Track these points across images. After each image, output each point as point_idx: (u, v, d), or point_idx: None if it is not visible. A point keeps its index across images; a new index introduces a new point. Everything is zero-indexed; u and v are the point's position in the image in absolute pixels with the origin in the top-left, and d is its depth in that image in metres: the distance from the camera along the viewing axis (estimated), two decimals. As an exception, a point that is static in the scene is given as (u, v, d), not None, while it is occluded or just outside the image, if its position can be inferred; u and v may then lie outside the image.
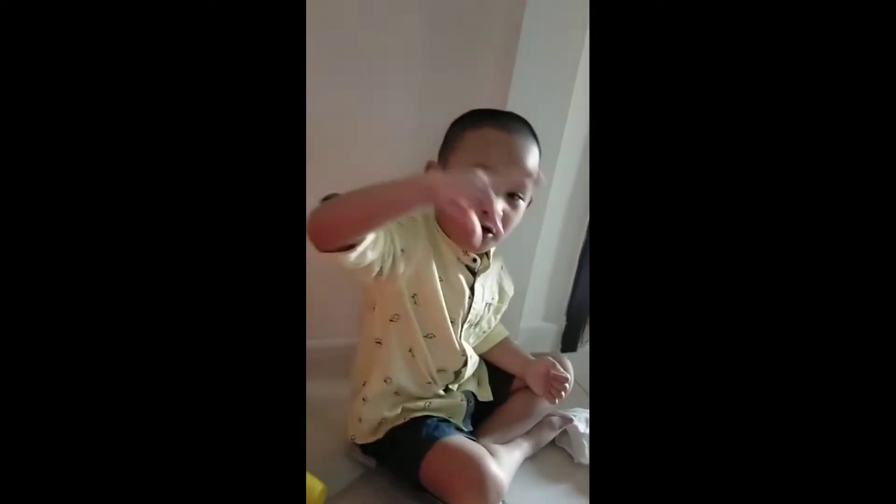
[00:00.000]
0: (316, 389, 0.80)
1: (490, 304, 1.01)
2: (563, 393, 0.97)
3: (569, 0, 1.02)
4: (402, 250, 0.81)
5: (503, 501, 0.93)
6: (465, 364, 0.97)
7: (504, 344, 1.09)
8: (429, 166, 0.90)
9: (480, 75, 1.06)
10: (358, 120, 1.02)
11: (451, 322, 0.91)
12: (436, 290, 0.88)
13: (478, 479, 0.81)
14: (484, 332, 1.04)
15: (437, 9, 0.99)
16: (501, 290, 1.04)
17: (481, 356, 1.06)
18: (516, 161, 0.83)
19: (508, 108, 1.03)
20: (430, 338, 0.91)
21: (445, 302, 0.89)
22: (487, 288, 0.98)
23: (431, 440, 0.86)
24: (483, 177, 0.60)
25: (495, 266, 0.99)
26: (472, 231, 0.60)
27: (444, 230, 0.90)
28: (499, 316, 1.07)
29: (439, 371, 0.95)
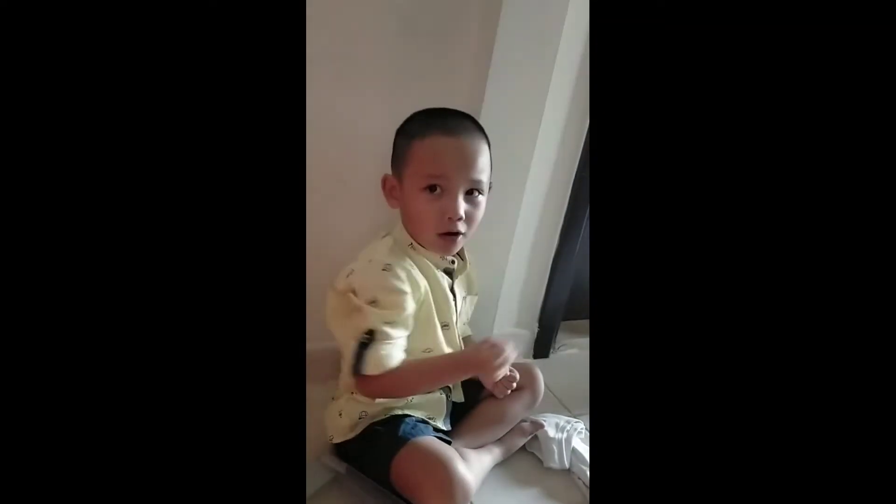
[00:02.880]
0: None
1: (465, 298, 1.04)
2: (508, 391, 1.01)
3: (544, 3, 1.03)
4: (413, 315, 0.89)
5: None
6: None
7: (467, 341, 1.10)
8: (384, 181, 0.92)
9: (456, 79, 1.07)
10: (332, 124, 1.01)
11: (445, 326, 0.95)
12: (429, 307, 0.92)
13: (445, 480, 0.81)
14: (464, 324, 1.07)
15: (411, 13, 0.99)
16: (470, 282, 1.06)
17: None
18: (466, 164, 0.85)
19: (484, 113, 1.04)
20: (427, 352, 0.93)
21: (437, 312, 0.93)
22: (462, 285, 1.02)
23: (405, 439, 0.87)
24: (502, 348, 0.84)
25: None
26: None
27: (416, 240, 0.91)
28: (473, 306, 1.10)
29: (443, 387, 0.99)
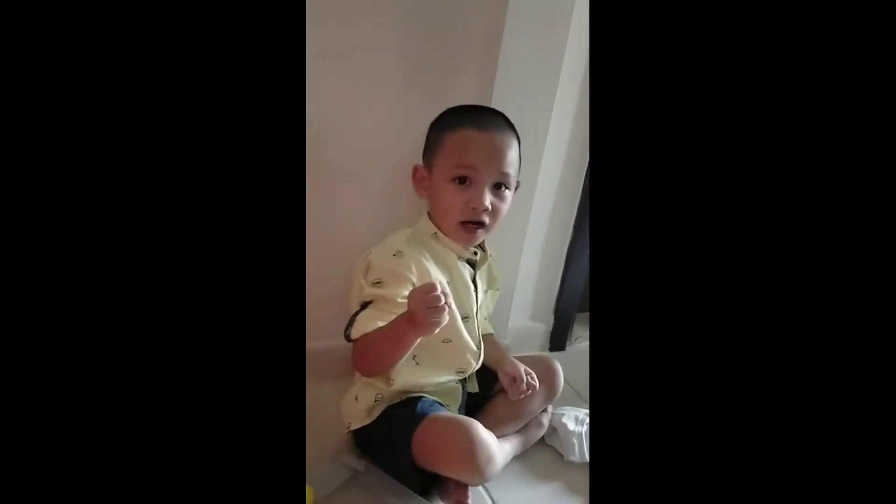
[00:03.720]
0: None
1: (486, 291, 1.04)
2: (521, 395, 1.00)
3: (550, -2, 1.02)
4: None
5: (492, 500, 0.92)
6: (479, 359, 1.00)
7: (488, 339, 1.09)
8: (414, 171, 0.94)
9: (463, 74, 1.06)
10: (339, 119, 1.01)
11: (465, 318, 0.95)
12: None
13: (467, 444, 0.81)
14: (485, 318, 1.06)
15: (419, 8, 0.99)
16: (491, 276, 1.06)
17: None
18: (495, 157, 0.88)
19: (493, 106, 1.03)
20: (447, 342, 0.94)
21: (456, 302, 0.93)
22: (483, 278, 1.02)
23: (423, 415, 0.87)
24: (435, 289, 0.71)
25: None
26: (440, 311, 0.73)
27: (440, 229, 0.93)
28: (494, 302, 1.10)
29: (458, 371, 0.98)
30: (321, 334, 0.99)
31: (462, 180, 0.88)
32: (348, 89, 1.00)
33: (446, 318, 0.74)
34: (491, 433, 0.88)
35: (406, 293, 0.84)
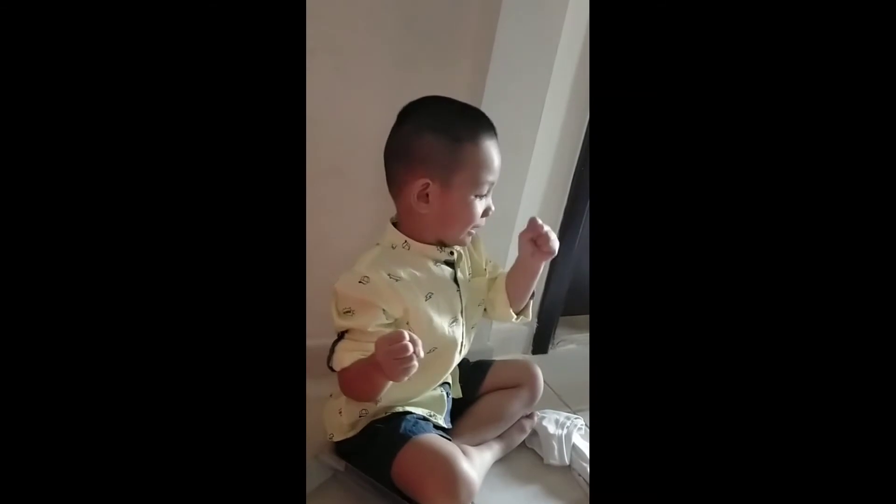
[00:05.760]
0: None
1: (470, 280, 0.99)
2: (550, 242, 0.92)
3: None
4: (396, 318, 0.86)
5: (472, 503, 0.92)
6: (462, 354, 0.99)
7: (505, 275, 1.03)
8: (423, 187, 0.83)
9: (456, 75, 1.05)
10: (331, 119, 1.00)
11: (454, 321, 0.92)
12: (426, 314, 0.88)
13: (449, 478, 0.81)
14: (479, 304, 1.01)
15: (412, 7, 0.98)
16: (475, 262, 1.01)
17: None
18: (497, 166, 0.87)
19: (484, 106, 1.02)
20: (433, 351, 0.90)
21: (440, 310, 0.90)
22: (465, 270, 0.98)
23: (406, 437, 0.86)
24: (402, 338, 0.69)
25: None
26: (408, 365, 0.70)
27: (414, 236, 0.89)
28: (496, 275, 1.04)
29: (443, 383, 0.98)
30: (311, 332, 0.99)
31: (486, 191, 0.86)
32: (340, 86, 0.99)
33: (416, 366, 0.70)
34: (471, 462, 0.88)
35: (378, 322, 0.82)
